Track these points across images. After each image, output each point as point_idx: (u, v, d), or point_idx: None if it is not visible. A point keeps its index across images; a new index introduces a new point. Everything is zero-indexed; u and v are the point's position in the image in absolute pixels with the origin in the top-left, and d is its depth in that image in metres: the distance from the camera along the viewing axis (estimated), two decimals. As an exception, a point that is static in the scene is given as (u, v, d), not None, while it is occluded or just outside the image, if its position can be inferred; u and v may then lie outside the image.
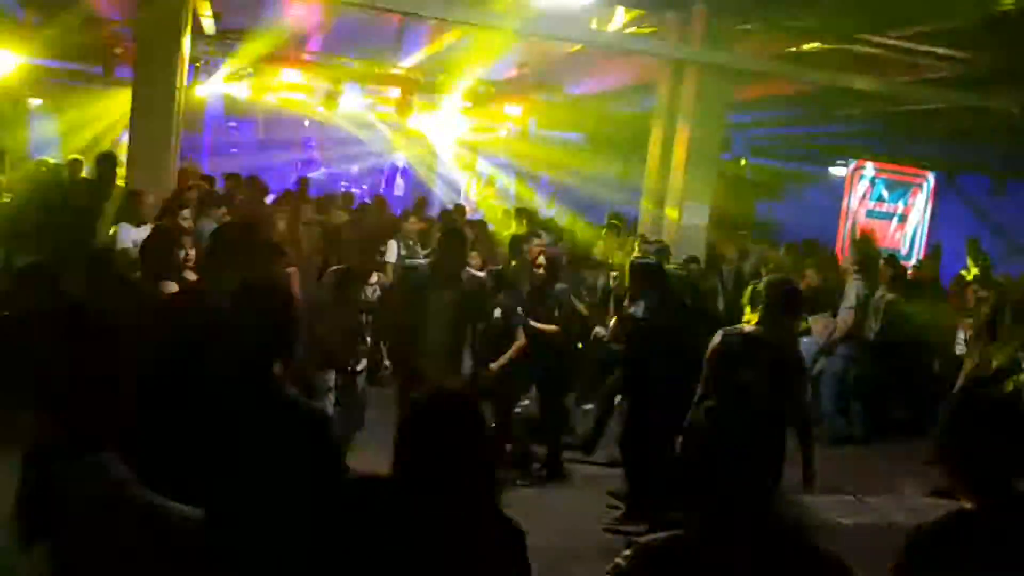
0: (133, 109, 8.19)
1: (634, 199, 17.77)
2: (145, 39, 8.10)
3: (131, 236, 7.42)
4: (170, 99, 8.23)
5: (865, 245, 9.83)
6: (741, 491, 2.05)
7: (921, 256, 16.19)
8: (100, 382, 1.94)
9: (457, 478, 2.18)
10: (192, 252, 5.58)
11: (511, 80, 15.03)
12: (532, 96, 15.22)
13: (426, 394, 2.32)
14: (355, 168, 19.56)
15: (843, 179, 18.69)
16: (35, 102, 16.94)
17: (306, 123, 19.75)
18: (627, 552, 2.11)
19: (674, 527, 2.12)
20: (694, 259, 9.33)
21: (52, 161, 10.35)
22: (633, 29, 10.39)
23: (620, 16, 10.13)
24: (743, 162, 17.86)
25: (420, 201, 13.00)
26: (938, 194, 17.63)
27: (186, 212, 7.28)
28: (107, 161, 9.30)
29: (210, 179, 11.54)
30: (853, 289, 8.88)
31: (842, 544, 2.28)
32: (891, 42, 10.04)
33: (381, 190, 18.66)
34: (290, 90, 15.18)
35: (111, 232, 7.33)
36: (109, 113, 17.70)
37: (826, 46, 10.56)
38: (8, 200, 8.71)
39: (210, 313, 3.13)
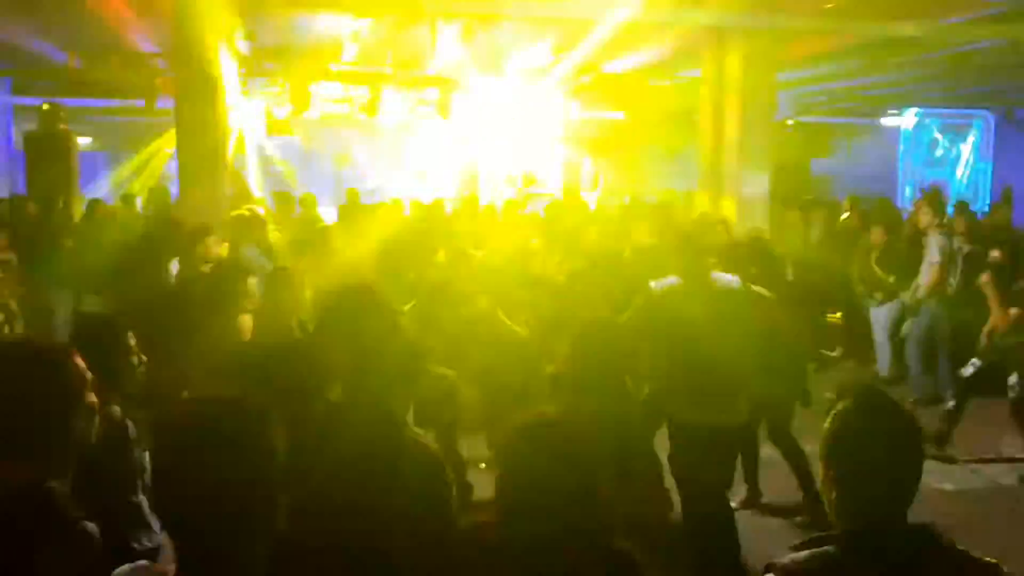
0: (178, 139, 8.22)
1: (681, 174, 17.63)
2: (184, 69, 8.10)
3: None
4: (213, 125, 8.24)
5: (935, 196, 9.49)
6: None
7: (989, 200, 15.66)
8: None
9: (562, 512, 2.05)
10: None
11: (548, 66, 14.83)
12: (571, 79, 15.01)
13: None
14: (402, 175, 19.50)
15: (895, 128, 18.21)
16: (83, 140, 17.21)
17: (348, 134, 19.79)
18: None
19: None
20: (758, 231, 9.09)
21: (107, 204, 10.47)
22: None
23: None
24: (789, 122, 17.42)
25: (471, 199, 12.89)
26: (999, 132, 17.04)
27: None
28: (159, 195, 9.39)
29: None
30: (936, 243, 8.49)
31: (948, 511, 2.11)
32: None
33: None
34: (328, 102, 15.21)
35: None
36: (154, 144, 17.99)
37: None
38: (71, 243, 8.80)
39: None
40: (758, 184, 9.46)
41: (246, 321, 5.31)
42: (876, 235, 9.03)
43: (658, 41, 12.59)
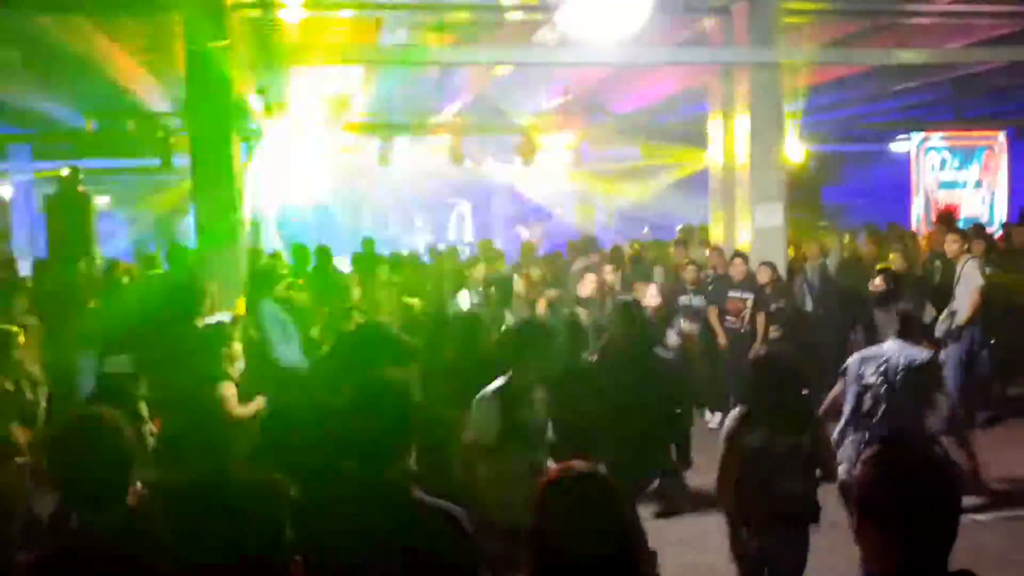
0: (194, 196, 8.30)
1: (692, 208, 17.67)
2: (198, 128, 8.20)
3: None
4: (229, 181, 8.31)
5: (951, 220, 9.42)
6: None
7: (1005, 221, 15.53)
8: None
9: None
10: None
11: (558, 108, 14.98)
12: (581, 121, 15.14)
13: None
14: (419, 220, 19.63)
15: (906, 154, 18.17)
16: (101, 200, 17.44)
17: (362, 183, 19.97)
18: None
19: None
20: (767, 264, 9.06)
21: (127, 263, 10.57)
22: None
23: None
24: (805, 152, 17.46)
25: (484, 244, 12.92)
26: (1012, 153, 16.96)
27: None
28: (178, 254, 9.47)
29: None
30: (975, 269, 8.37)
31: (984, 541, 2.06)
32: (945, 8, 9.77)
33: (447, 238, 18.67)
34: (343, 152, 15.37)
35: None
36: (170, 202, 18.19)
37: (875, 23, 10.35)
38: (93, 305, 8.86)
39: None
40: (773, 215, 9.44)
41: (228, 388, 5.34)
42: (895, 262, 8.97)
43: (665, 79, 12.75)
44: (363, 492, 2.40)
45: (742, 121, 9.65)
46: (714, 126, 10.41)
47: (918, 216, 16.50)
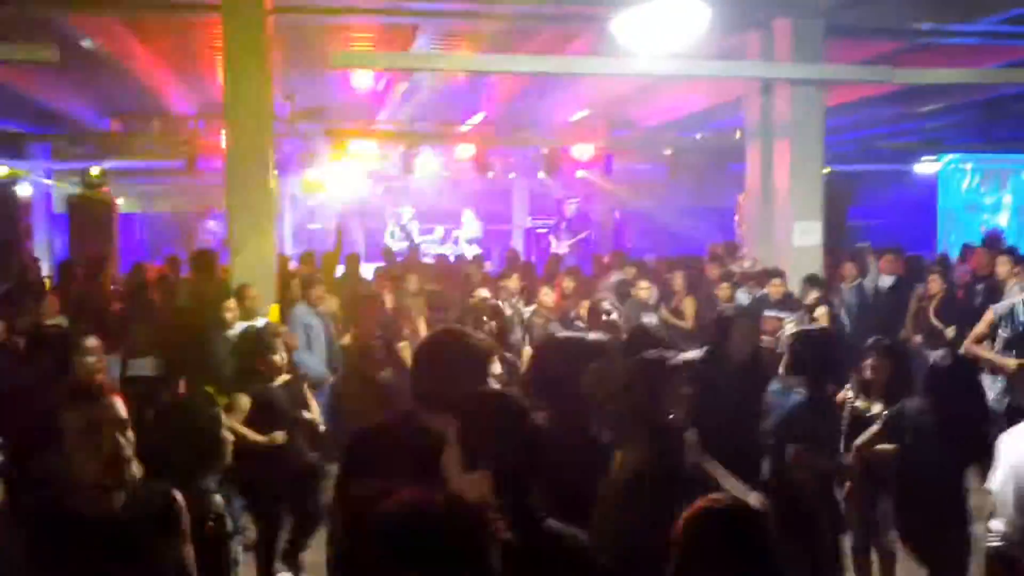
0: (228, 200, 8.17)
1: (717, 224, 17.54)
2: (235, 134, 8.07)
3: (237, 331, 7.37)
4: (265, 187, 8.18)
5: (998, 242, 9.22)
6: None
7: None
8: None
9: None
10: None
11: (584, 120, 14.90)
12: (607, 133, 15.05)
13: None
14: (438, 231, 19.50)
15: (930, 176, 18.06)
16: (121, 202, 17.39)
17: (381, 191, 19.91)
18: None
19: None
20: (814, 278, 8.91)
21: (151, 266, 10.46)
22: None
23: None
24: (827, 170, 17.35)
25: (512, 255, 12.80)
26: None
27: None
28: (205, 258, 9.35)
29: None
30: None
31: None
32: (987, 28, 9.66)
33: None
34: (363, 160, 15.29)
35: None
36: (193, 205, 18.14)
37: (910, 44, 10.24)
38: (118, 307, 8.75)
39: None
40: (811, 233, 9.29)
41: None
42: (934, 285, 8.81)
43: (695, 93, 12.63)
44: None
45: (781, 138, 9.52)
46: (751, 142, 10.27)
47: (943, 238, 16.38)
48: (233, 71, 8.07)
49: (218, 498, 3.06)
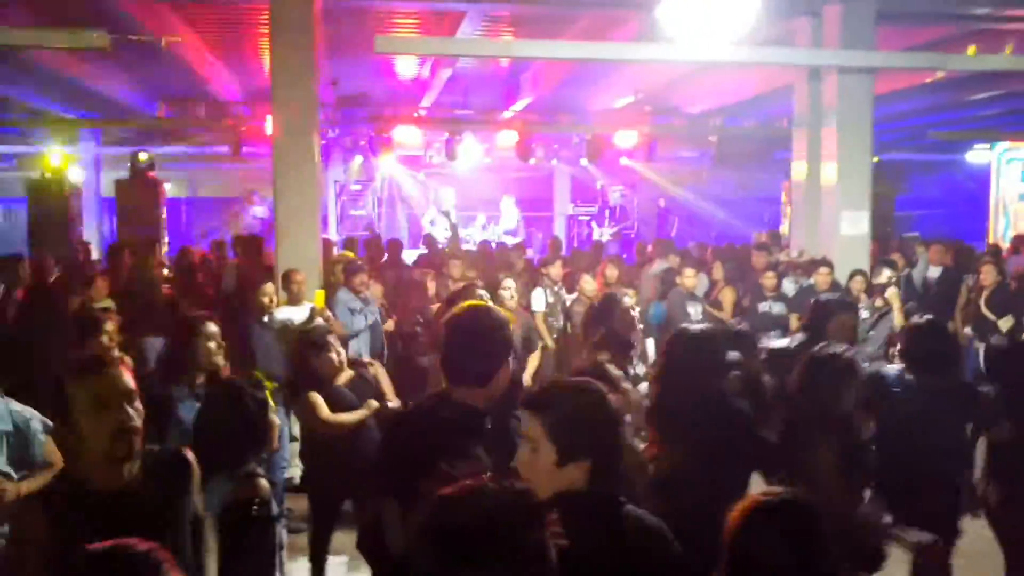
0: (277, 187, 8.23)
1: (762, 213, 17.35)
2: (283, 119, 8.13)
3: (286, 316, 7.44)
4: (311, 173, 8.24)
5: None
6: None
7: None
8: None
9: None
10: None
11: (628, 107, 14.78)
12: (651, 120, 14.92)
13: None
14: (479, 218, 19.45)
15: (980, 165, 17.66)
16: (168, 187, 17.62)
17: (421, 176, 19.95)
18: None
19: None
20: (860, 272, 8.78)
21: (198, 250, 10.59)
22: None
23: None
24: (875, 159, 17.09)
25: (556, 243, 12.76)
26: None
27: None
28: (252, 242, 9.44)
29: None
30: None
31: None
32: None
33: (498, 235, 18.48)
34: (406, 147, 15.34)
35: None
36: (238, 189, 18.33)
37: (961, 29, 9.99)
38: (166, 290, 8.87)
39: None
40: (859, 223, 9.14)
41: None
42: (987, 275, 8.63)
43: (741, 81, 12.46)
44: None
45: (829, 126, 9.36)
46: (798, 130, 10.12)
47: (996, 228, 16.01)
48: (280, 57, 8.13)
49: (264, 482, 3.08)
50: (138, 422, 2.42)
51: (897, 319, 7.78)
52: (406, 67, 13.15)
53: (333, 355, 5.03)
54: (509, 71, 14.09)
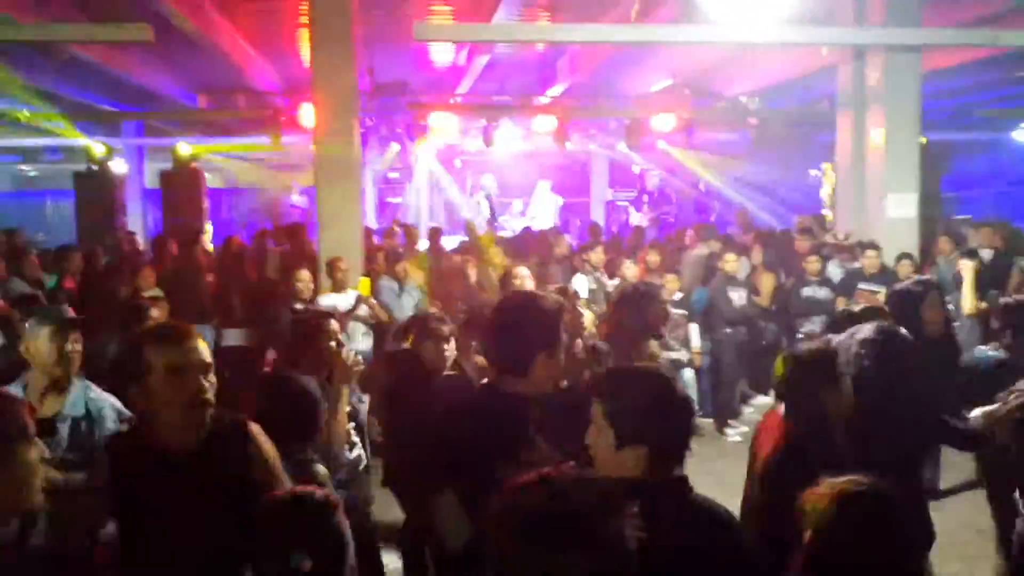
0: (318, 177, 8.29)
1: (800, 198, 17.10)
2: (324, 108, 8.17)
3: (328, 302, 7.50)
4: (352, 162, 8.28)
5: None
6: None
7: None
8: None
9: None
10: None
11: (666, 91, 14.65)
12: (689, 104, 14.76)
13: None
14: (516, 204, 19.46)
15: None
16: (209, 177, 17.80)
17: (457, 163, 19.98)
18: None
19: None
20: (907, 255, 8.65)
21: (241, 239, 10.69)
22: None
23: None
24: (923, 140, 16.80)
25: (596, 228, 12.71)
26: None
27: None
28: (295, 231, 9.51)
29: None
30: None
31: None
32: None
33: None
34: (443, 134, 15.32)
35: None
36: (277, 181, 18.48)
37: (1017, 3, 9.74)
38: (211, 279, 8.98)
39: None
40: (906, 205, 8.99)
41: None
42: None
43: (786, 61, 12.28)
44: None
45: (874, 106, 9.20)
46: (842, 111, 9.96)
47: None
48: (320, 47, 8.17)
49: (321, 468, 3.10)
50: (212, 394, 2.50)
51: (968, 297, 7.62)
52: (442, 54, 13.14)
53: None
54: (545, 56, 14.01)
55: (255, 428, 2.70)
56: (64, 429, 3.51)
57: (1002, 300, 5.60)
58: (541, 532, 1.42)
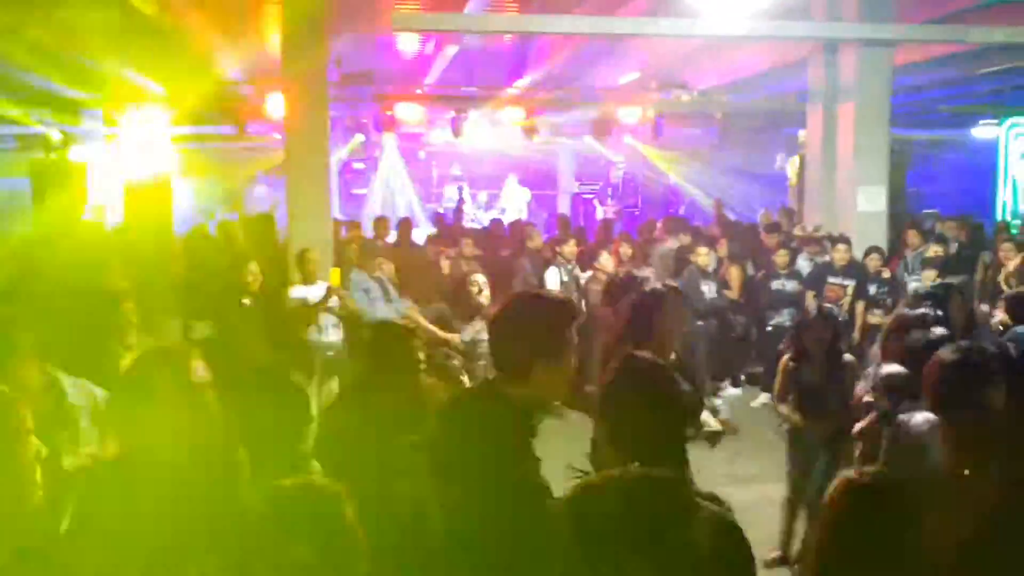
0: (288, 167, 8.17)
1: (768, 191, 17.23)
2: (295, 99, 8.04)
3: (298, 294, 7.39)
4: (322, 153, 8.17)
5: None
6: None
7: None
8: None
9: None
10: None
11: (635, 84, 14.65)
12: (657, 96, 14.77)
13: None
14: (481, 196, 19.38)
15: (987, 141, 17.57)
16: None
17: (422, 155, 19.83)
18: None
19: None
20: (876, 249, 8.73)
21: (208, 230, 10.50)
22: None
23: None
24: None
25: (564, 221, 12.66)
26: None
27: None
28: (264, 222, 9.35)
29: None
30: None
31: None
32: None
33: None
34: (409, 125, 15.19)
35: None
36: (243, 169, 18.19)
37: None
38: (177, 271, 8.80)
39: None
40: (876, 199, 9.07)
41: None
42: (1008, 253, 8.56)
43: (757, 55, 12.32)
44: None
45: (846, 101, 9.27)
46: (812, 105, 10.02)
47: (1004, 204, 15.96)
48: (291, 39, 8.02)
49: (316, 463, 3.02)
50: None
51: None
52: (409, 44, 13.00)
53: None
54: (514, 48, 13.94)
55: None
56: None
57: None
58: (608, 536, 1.36)
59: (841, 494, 1.92)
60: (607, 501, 1.40)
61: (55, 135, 14.29)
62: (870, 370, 4.58)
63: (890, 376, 3.96)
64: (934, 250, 8.34)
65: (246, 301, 6.93)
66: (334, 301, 7.42)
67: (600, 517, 1.38)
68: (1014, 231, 12.69)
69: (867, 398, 4.23)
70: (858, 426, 4.20)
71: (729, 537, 1.55)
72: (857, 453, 4.28)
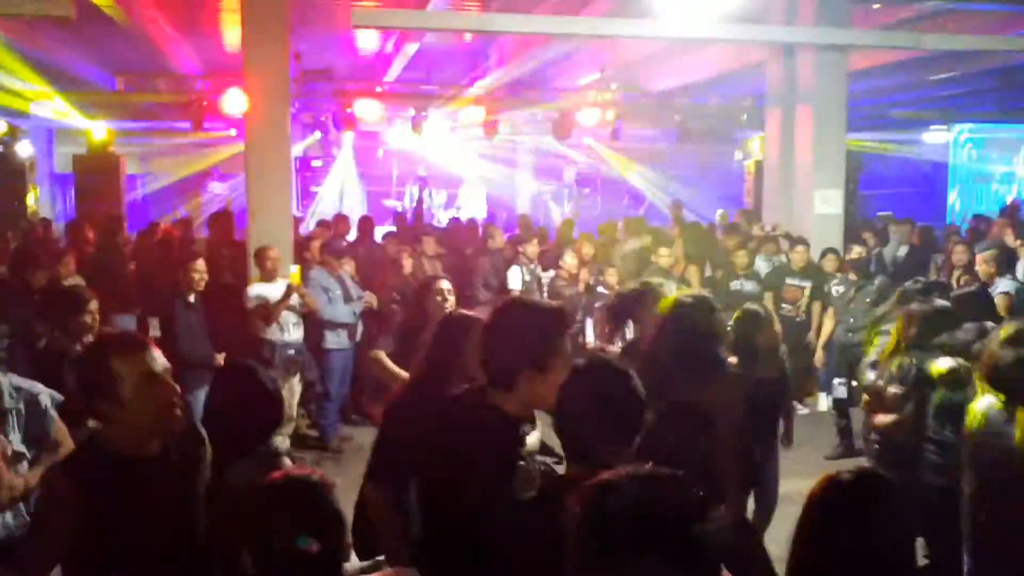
0: (248, 164, 8.04)
1: (725, 191, 17.41)
2: (255, 95, 7.92)
3: (258, 292, 7.30)
4: (284, 150, 8.07)
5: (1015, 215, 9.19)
6: None
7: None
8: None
9: None
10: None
11: (593, 84, 14.70)
12: (616, 97, 14.85)
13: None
14: (443, 194, 19.34)
15: (940, 145, 17.96)
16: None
17: (380, 154, 19.73)
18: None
19: None
20: (832, 250, 8.87)
21: (165, 226, 10.33)
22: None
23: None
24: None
25: (526, 221, 12.66)
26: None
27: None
28: (222, 219, 9.22)
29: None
30: None
31: None
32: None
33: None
34: (368, 123, 15.08)
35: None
36: (198, 165, 17.94)
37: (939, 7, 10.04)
38: (134, 267, 8.65)
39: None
40: (832, 202, 9.21)
41: None
42: (959, 255, 8.75)
43: (716, 57, 12.44)
44: None
45: (803, 104, 9.40)
46: (771, 108, 10.15)
47: (953, 208, 16.32)
48: (251, 34, 7.89)
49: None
50: (178, 398, 2.58)
51: None
52: (369, 41, 12.91)
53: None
54: (475, 47, 13.91)
55: (203, 430, 2.78)
56: (12, 422, 3.35)
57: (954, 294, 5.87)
58: (621, 534, 1.36)
59: (823, 491, 1.94)
60: (623, 499, 1.39)
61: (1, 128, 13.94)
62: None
63: None
64: (857, 251, 8.49)
65: (191, 300, 6.79)
66: (294, 299, 7.34)
67: (616, 515, 1.38)
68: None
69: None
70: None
71: (744, 535, 1.56)
72: None
